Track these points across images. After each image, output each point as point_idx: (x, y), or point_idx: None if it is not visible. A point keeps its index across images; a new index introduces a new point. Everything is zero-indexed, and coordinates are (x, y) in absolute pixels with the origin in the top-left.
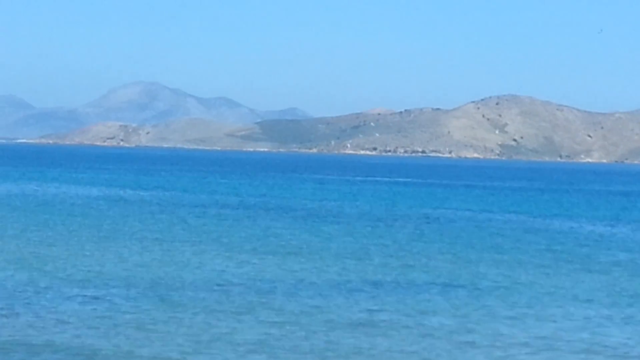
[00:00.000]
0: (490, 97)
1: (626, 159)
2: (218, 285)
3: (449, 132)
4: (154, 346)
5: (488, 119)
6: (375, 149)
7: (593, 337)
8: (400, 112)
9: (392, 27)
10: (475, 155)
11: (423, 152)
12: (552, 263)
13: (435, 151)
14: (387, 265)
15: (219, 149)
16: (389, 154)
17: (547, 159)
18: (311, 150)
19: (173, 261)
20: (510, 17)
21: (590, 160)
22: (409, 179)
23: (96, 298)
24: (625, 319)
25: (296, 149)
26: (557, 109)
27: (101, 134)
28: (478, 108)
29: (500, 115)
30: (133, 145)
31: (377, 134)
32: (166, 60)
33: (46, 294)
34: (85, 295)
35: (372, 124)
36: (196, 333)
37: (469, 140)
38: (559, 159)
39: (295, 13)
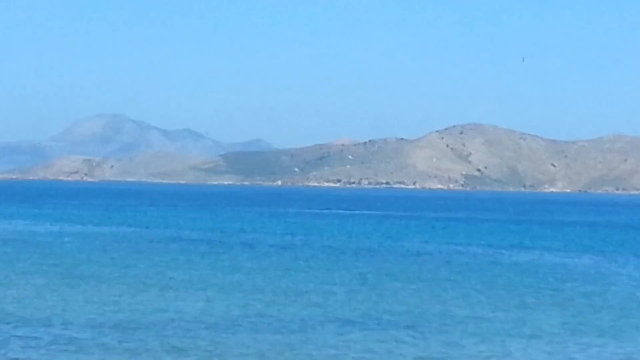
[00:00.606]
0: (454, 126)
1: (589, 188)
2: (183, 324)
3: (412, 163)
4: None
5: (452, 149)
6: (339, 180)
7: None
8: (365, 143)
9: (354, 56)
10: (439, 186)
11: (387, 183)
12: (517, 297)
13: (399, 182)
14: (352, 301)
15: (183, 182)
16: (353, 185)
17: (511, 189)
18: (275, 183)
19: (137, 300)
20: (473, 45)
21: (554, 189)
22: (373, 212)
23: (58, 340)
24: (590, 356)
25: (260, 182)
26: (521, 138)
27: (65, 168)
28: (442, 138)
29: (464, 145)
30: (97, 179)
31: (348, 166)
32: (129, 92)
33: (7, 334)
34: (48, 335)
35: (349, 156)
36: None
37: (433, 170)
38: (523, 189)
39: (255, 43)
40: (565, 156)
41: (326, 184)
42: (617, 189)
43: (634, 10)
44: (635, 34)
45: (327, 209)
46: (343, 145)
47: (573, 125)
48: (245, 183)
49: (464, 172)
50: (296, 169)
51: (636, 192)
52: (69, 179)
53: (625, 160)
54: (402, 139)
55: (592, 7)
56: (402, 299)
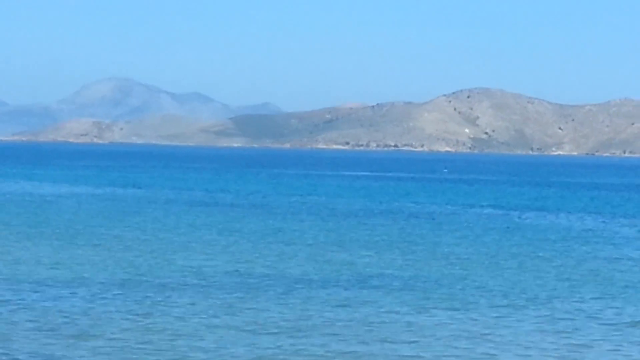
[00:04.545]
0: (461, 90)
1: (597, 151)
2: (203, 278)
3: (420, 126)
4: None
5: (459, 113)
6: (347, 143)
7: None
8: (373, 106)
9: (363, 21)
10: (447, 148)
11: (395, 146)
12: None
13: (407, 145)
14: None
15: (192, 144)
16: (362, 148)
17: (518, 152)
18: (284, 145)
19: (158, 258)
20: (480, 10)
21: (561, 152)
22: (380, 174)
23: (77, 294)
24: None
25: (269, 144)
26: (528, 102)
27: (75, 130)
28: (450, 101)
29: (471, 109)
30: (107, 141)
31: (356, 129)
32: (139, 56)
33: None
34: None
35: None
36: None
37: (441, 133)
38: (530, 152)
39: (265, 8)
40: (573, 120)
41: (335, 147)
42: (624, 152)
43: None
44: None
45: (334, 171)
46: (351, 108)
47: (580, 89)
48: (255, 145)
49: (471, 136)
50: (305, 136)
51: None
52: (79, 141)
53: (632, 124)
54: (409, 102)
55: None
56: (397, 262)
